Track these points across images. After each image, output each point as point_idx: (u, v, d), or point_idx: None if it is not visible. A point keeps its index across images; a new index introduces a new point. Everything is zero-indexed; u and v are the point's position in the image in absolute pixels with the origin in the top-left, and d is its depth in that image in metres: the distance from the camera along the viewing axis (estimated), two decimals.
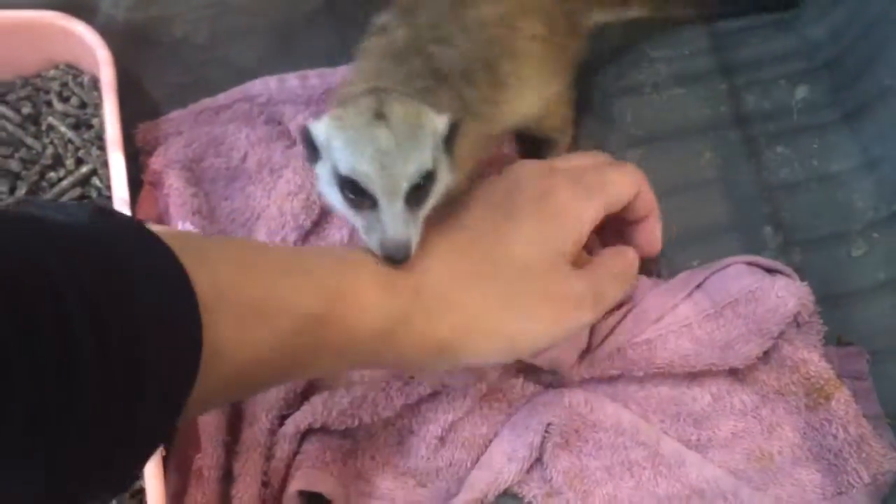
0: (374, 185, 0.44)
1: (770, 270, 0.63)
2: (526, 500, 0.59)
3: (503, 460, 0.58)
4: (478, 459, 0.59)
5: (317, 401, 0.59)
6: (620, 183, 0.55)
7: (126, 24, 0.69)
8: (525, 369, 0.62)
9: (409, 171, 0.44)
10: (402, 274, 0.46)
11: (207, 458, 0.55)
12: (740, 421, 0.62)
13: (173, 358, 0.34)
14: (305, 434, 0.59)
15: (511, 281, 0.49)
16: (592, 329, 0.60)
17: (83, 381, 0.30)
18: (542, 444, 0.59)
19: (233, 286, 0.39)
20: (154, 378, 0.33)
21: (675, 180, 0.71)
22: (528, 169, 0.55)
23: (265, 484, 0.57)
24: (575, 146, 0.69)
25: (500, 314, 0.48)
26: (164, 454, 0.53)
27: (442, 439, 0.59)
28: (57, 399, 0.29)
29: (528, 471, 0.59)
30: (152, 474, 0.51)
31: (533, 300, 0.49)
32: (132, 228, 0.37)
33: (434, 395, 0.60)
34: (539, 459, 0.59)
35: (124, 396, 0.32)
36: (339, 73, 0.68)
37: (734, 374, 0.63)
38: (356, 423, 0.58)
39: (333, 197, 0.47)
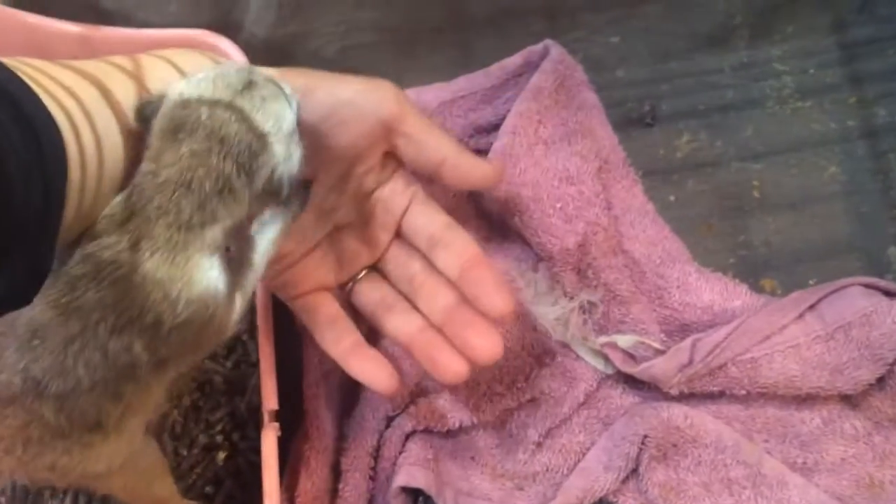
0: None
1: (890, 294, 0.61)
2: None
3: (599, 469, 0.60)
4: (574, 466, 0.61)
5: (421, 403, 0.62)
6: None
7: (266, 40, 0.75)
8: (624, 381, 0.63)
9: None
10: None
11: (315, 451, 0.59)
12: (851, 447, 0.60)
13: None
14: (411, 434, 0.62)
15: None
16: (694, 344, 0.60)
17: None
18: (639, 455, 0.59)
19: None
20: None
21: (796, 195, 0.70)
22: None
23: (372, 479, 0.61)
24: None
25: None
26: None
27: (539, 444, 0.61)
28: None
29: (624, 481, 0.60)
30: (270, 464, 0.54)
31: None
32: None
33: (533, 401, 0.62)
34: (635, 470, 0.60)
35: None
36: (451, 88, 0.70)
37: (847, 398, 0.61)
38: (457, 424, 0.61)
39: None
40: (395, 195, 0.53)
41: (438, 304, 0.51)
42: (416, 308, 0.53)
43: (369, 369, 0.51)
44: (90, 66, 0.42)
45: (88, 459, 0.45)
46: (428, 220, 0.53)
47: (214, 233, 0.40)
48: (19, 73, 0.37)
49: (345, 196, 0.52)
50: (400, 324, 0.52)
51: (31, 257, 0.37)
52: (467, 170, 0.51)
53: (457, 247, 0.52)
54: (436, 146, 0.50)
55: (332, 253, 0.53)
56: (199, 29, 0.68)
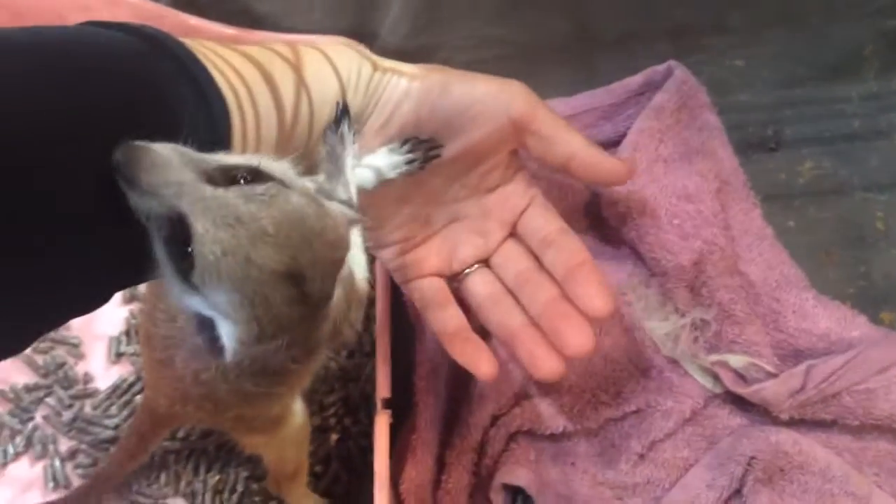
0: None
1: None
2: None
3: (701, 486, 0.60)
4: (676, 482, 0.61)
5: (526, 405, 0.63)
6: None
7: (398, 50, 0.79)
8: (732, 401, 0.63)
9: None
10: None
11: (422, 442, 0.61)
12: None
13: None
14: (514, 434, 0.63)
15: None
16: (809, 370, 0.60)
17: None
18: (744, 476, 0.59)
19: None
20: None
21: None
22: None
23: (474, 474, 0.63)
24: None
25: None
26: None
27: (642, 456, 0.62)
28: None
29: (727, 501, 0.60)
30: (381, 448, 0.57)
31: None
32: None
33: (638, 413, 0.63)
34: (738, 491, 0.60)
35: None
36: (572, 104, 0.72)
37: None
38: (561, 429, 0.62)
39: None
40: (516, 195, 0.55)
41: (540, 297, 0.53)
42: (520, 304, 0.54)
43: (471, 354, 0.53)
44: (254, 51, 0.46)
45: (271, 407, 0.54)
46: (544, 222, 0.55)
47: None
48: (196, 53, 0.41)
49: (468, 189, 0.54)
50: (504, 318, 0.54)
51: None
52: (597, 165, 0.53)
53: (568, 249, 0.53)
54: (565, 142, 0.52)
55: (449, 242, 0.56)
56: (339, 35, 0.72)
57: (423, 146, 0.49)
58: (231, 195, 0.35)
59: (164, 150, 0.35)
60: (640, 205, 0.65)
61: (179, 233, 0.35)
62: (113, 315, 0.74)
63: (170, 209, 0.35)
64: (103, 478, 0.66)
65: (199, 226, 0.35)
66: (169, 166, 0.35)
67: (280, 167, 0.40)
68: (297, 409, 0.59)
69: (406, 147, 0.49)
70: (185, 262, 0.36)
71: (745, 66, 0.75)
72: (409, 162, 0.49)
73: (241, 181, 0.37)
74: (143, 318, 0.60)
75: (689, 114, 0.69)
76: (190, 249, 0.35)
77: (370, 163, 0.48)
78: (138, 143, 0.35)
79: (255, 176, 0.37)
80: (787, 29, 0.76)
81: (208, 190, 0.35)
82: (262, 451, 0.61)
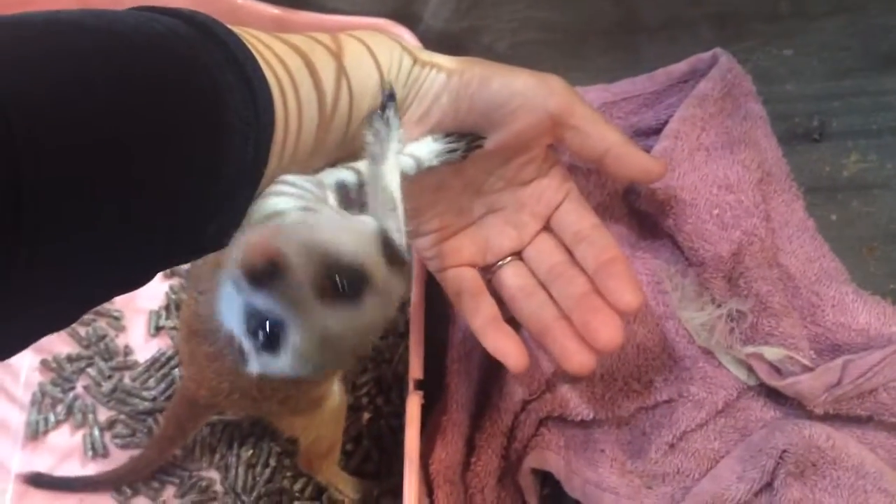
0: None
1: None
2: None
3: (732, 478, 0.59)
4: (706, 472, 0.61)
5: (558, 391, 0.63)
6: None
7: (441, 33, 0.79)
8: (766, 394, 0.62)
9: None
10: None
11: (452, 424, 0.62)
12: None
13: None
14: (544, 419, 0.64)
15: None
16: (846, 365, 0.59)
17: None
18: (775, 469, 0.58)
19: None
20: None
21: None
22: None
23: (504, 457, 0.63)
24: None
25: None
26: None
27: (672, 446, 0.61)
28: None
29: (757, 493, 0.59)
30: (412, 428, 0.57)
31: None
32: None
33: (670, 402, 0.62)
34: (769, 484, 0.59)
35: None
36: (614, 90, 0.71)
37: None
38: (591, 416, 0.62)
39: None
40: (551, 189, 0.55)
41: (571, 291, 0.53)
42: (551, 297, 0.55)
43: (503, 344, 0.54)
44: (297, 39, 0.47)
45: (318, 388, 0.57)
46: (578, 217, 0.55)
47: None
48: (243, 39, 0.42)
49: (504, 181, 0.55)
50: (536, 311, 0.54)
51: (236, 206, 0.41)
52: (630, 161, 0.53)
53: (599, 245, 0.54)
54: (601, 137, 0.52)
55: (484, 233, 0.56)
56: (382, 18, 0.73)
57: (466, 138, 0.50)
58: (332, 320, 0.38)
59: (297, 261, 0.38)
60: (679, 194, 0.64)
61: (269, 323, 0.38)
62: (154, 290, 0.76)
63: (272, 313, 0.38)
64: (144, 462, 0.68)
65: (296, 339, 0.38)
66: (291, 277, 0.37)
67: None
68: (336, 389, 0.60)
69: (449, 138, 0.49)
70: (270, 348, 0.38)
71: (793, 56, 0.74)
72: (451, 151, 0.50)
73: (341, 287, 0.39)
74: (185, 315, 0.61)
75: (732, 102, 0.69)
76: (277, 338, 0.38)
77: (411, 152, 0.49)
78: (283, 248, 0.37)
79: (352, 279, 0.39)
80: (838, 19, 0.74)
81: (312, 305, 0.38)
82: (301, 433, 0.62)
